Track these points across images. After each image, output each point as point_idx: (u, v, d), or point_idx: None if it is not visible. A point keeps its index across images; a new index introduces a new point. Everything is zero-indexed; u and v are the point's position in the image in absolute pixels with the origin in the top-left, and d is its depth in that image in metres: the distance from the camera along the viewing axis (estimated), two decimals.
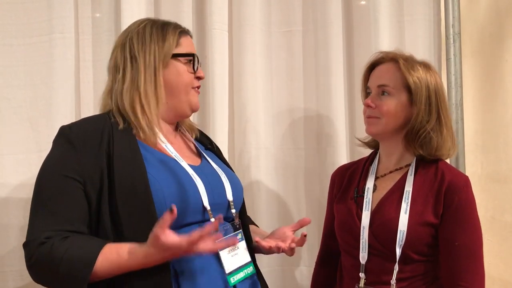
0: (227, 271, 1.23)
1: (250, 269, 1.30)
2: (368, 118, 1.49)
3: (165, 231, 1.07)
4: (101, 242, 1.13)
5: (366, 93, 1.55)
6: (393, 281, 1.39)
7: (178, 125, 1.44)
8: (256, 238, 1.36)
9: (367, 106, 1.49)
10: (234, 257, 1.27)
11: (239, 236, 1.32)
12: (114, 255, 1.11)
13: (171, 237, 1.07)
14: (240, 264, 1.28)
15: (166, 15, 1.81)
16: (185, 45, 1.34)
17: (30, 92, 1.74)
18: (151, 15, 1.83)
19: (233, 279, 1.23)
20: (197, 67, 1.36)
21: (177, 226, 1.19)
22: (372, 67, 1.54)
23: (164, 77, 1.30)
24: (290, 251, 1.34)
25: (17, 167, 1.71)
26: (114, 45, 1.36)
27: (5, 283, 1.69)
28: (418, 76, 1.44)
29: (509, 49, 2.07)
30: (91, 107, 1.79)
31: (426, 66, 1.49)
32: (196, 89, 1.37)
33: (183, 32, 1.37)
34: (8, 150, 1.72)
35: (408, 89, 1.45)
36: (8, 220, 1.69)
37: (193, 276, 1.19)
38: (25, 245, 1.14)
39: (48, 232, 1.12)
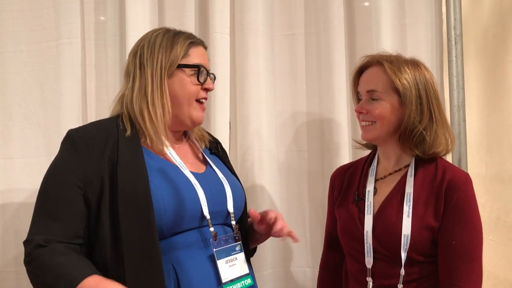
0: (223, 281, 1.24)
1: (248, 281, 1.31)
2: (364, 126, 1.49)
3: None
4: (88, 271, 1.16)
5: (357, 98, 1.55)
6: (400, 285, 1.39)
7: (186, 132, 1.45)
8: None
9: (358, 113, 1.49)
10: (232, 268, 1.28)
11: (238, 247, 1.33)
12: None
13: None
14: (238, 275, 1.29)
15: (169, 19, 1.85)
16: (194, 56, 1.34)
17: (39, 97, 1.78)
18: (155, 20, 1.87)
19: None
20: (205, 78, 1.35)
21: (175, 232, 1.24)
22: (360, 71, 1.53)
23: (169, 86, 1.32)
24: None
25: (28, 170, 1.76)
26: (130, 52, 1.39)
27: (19, 282, 1.74)
28: (405, 77, 1.42)
29: None
30: (96, 111, 1.83)
31: (414, 64, 1.47)
32: (200, 103, 1.36)
33: (194, 42, 1.36)
34: (19, 154, 1.77)
35: (397, 91, 1.43)
36: (20, 222, 1.74)
37: (190, 281, 1.21)
38: (25, 243, 1.20)
39: (47, 236, 1.17)
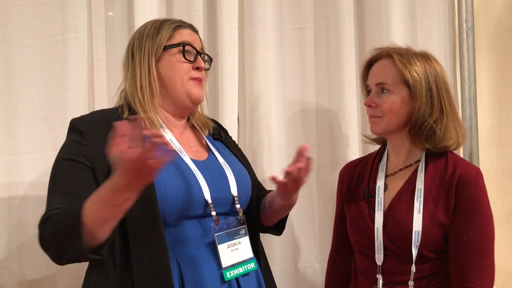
0: (223, 266, 1.25)
1: (251, 265, 1.31)
2: (371, 117, 1.48)
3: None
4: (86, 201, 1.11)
5: (367, 91, 1.53)
6: (411, 282, 1.38)
7: (190, 119, 1.46)
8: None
9: (367, 106, 1.47)
10: (234, 252, 1.29)
11: (242, 231, 1.33)
12: (94, 197, 1.09)
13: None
14: (240, 260, 1.29)
15: (177, 13, 1.83)
16: (179, 37, 1.37)
17: (46, 92, 1.77)
18: (163, 14, 1.86)
19: (230, 274, 1.25)
20: (195, 57, 1.37)
21: (179, 219, 1.23)
22: (370, 64, 1.52)
23: (159, 70, 1.35)
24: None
25: (34, 166, 1.75)
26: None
27: (24, 278, 1.74)
28: (415, 69, 1.41)
29: None
30: (104, 106, 1.79)
31: (424, 57, 1.45)
32: (195, 80, 1.37)
33: (181, 26, 1.39)
34: (25, 149, 1.75)
35: (407, 84, 1.41)
36: (26, 217, 1.73)
37: (192, 267, 1.22)
38: (38, 225, 1.16)
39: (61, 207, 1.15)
